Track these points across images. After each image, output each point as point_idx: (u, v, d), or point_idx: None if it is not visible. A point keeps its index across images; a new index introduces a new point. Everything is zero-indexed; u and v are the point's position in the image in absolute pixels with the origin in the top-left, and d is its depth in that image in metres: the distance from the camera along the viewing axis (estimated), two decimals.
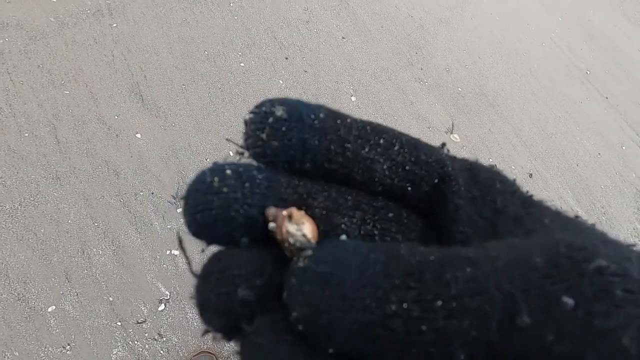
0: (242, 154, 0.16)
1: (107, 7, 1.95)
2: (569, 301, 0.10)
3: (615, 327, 0.10)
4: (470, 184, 0.16)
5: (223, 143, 1.75)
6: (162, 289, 1.39)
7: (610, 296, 0.10)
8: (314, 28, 2.32)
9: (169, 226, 1.50)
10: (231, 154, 1.60)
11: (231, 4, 2.20)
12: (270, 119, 0.15)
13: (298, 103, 0.16)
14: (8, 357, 1.19)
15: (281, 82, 2.05)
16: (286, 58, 2.13)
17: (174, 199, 1.56)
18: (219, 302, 0.14)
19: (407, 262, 0.12)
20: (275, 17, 2.26)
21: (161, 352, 1.30)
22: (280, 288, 0.13)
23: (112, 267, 1.37)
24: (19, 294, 1.27)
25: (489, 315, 0.11)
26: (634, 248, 0.12)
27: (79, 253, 1.37)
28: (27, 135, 1.53)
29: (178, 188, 1.59)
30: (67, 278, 1.32)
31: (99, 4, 1.95)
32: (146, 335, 1.31)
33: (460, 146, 2.26)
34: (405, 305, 0.11)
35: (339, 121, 0.16)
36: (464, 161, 0.17)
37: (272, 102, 0.16)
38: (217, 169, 0.15)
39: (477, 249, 0.12)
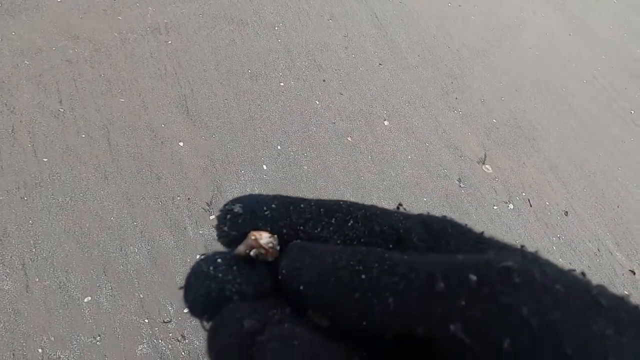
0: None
1: (164, 25, 2.13)
2: (473, 277, 0.14)
3: (516, 301, 0.13)
4: (424, 235, 0.18)
5: (258, 156, 1.83)
6: None
7: (511, 282, 0.13)
8: (352, 53, 2.41)
9: (200, 232, 1.57)
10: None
11: (276, 28, 2.33)
12: (229, 215, 0.19)
13: (254, 199, 0.20)
14: (44, 341, 1.26)
15: (317, 102, 2.13)
16: (323, 80, 2.22)
17: (208, 206, 1.63)
18: (232, 341, 0.16)
19: (359, 248, 0.17)
20: (316, 41, 2.37)
21: (183, 353, 1.33)
22: (272, 316, 0.17)
23: (145, 265, 1.44)
24: (60, 282, 1.36)
25: (412, 279, 0.15)
26: (572, 272, 0.15)
27: (117, 249, 1.45)
28: (83, 136, 1.67)
29: (212, 196, 1.66)
30: (104, 271, 1.40)
31: (157, 23, 2.13)
32: (170, 335, 1.35)
33: (492, 177, 2.22)
34: (351, 262, 0.16)
35: (291, 208, 0.19)
36: (417, 217, 0.19)
37: (234, 202, 0.20)
38: (209, 259, 0.19)
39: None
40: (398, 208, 0.20)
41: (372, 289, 0.15)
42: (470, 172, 2.19)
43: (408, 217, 0.19)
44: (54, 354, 1.25)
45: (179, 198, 1.62)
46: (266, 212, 0.19)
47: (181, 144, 1.76)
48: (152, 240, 1.50)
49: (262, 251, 0.18)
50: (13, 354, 1.23)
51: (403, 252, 0.16)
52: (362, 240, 0.19)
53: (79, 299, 1.35)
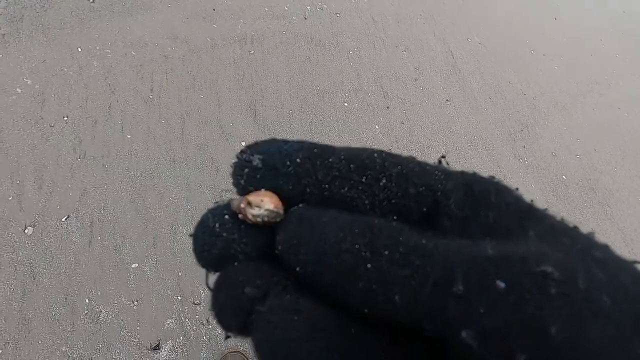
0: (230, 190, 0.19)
1: (250, 37, 2.34)
2: (500, 284, 0.12)
3: (546, 316, 0.11)
4: (463, 202, 0.16)
5: None
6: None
7: (545, 292, 0.11)
8: (421, 86, 2.42)
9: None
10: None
11: (350, 52, 2.44)
12: (247, 169, 0.17)
13: (276, 150, 0.17)
14: (92, 293, 1.41)
15: (377, 127, 2.16)
16: (387, 107, 2.25)
17: None
18: (232, 303, 0.16)
19: (371, 222, 0.15)
20: (386, 69, 2.43)
21: (204, 337, 1.39)
22: (276, 283, 0.16)
23: (189, 246, 1.54)
24: (116, 245, 1.51)
25: (428, 274, 0.13)
26: (633, 265, 0.13)
27: (169, 227, 1.59)
28: (163, 122, 1.88)
29: None
30: (154, 244, 1.54)
31: (245, 34, 2.35)
32: (197, 317, 1.42)
33: None
34: (357, 246, 0.14)
35: (318, 162, 0.17)
36: (460, 176, 0.16)
37: (252, 151, 0.17)
38: (217, 213, 0.18)
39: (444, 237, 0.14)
40: (440, 162, 0.18)
41: (378, 281, 0.13)
42: (537, 204, 2.04)
43: (449, 176, 0.16)
44: (97, 307, 1.39)
45: (230, 193, 1.73)
46: (289, 168, 0.17)
47: (243, 143, 1.90)
48: None
49: (262, 222, 0.17)
50: (66, 298, 1.39)
51: (423, 233, 0.14)
52: (392, 201, 0.16)
53: (128, 264, 1.48)
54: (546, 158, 2.39)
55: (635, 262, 0.13)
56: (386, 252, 0.14)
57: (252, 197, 0.17)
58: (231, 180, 0.18)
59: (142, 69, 2.01)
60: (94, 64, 1.95)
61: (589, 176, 2.42)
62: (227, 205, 0.18)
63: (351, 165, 0.17)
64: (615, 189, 2.43)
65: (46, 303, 1.37)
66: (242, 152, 0.18)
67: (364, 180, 0.16)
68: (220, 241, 0.17)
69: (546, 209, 0.16)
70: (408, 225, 0.15)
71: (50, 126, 1.72)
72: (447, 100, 2.41)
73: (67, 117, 1.76)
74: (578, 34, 3.20)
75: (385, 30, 2.62)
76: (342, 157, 0.17)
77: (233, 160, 0.18)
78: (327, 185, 0.17)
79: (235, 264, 0.17)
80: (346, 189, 0.16)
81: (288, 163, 0.17)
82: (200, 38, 2.24)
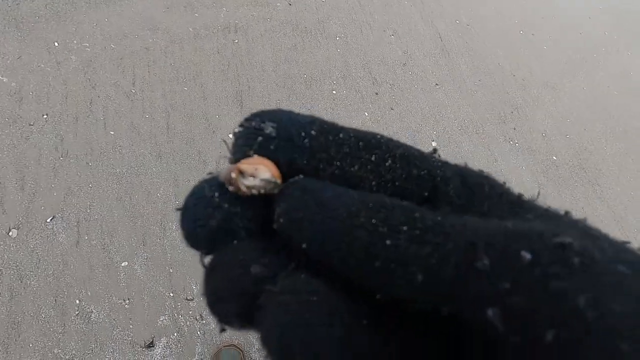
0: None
1: (234, 26, 2.28)
2: (526, 255, 0.11)
3: (570, 288, 0.11)
4: (460, 191, 0.15)
5: None
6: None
7: (568, 264, 0.11)
8: (410, 71, 2.39)
9: None
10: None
11: (337, 38, 2.39)
12: (259, 138, 0.15)
13: (289, 119, 0.16)
14: (82, 294, 1.39)
15: (366, 114, 2.13)
16: (376, 93, 2.22)
17: None
18: (232, 286, 0.14)
19: (382, 198, 0.14)
20: (374, 55, 2.39)
21: (198, 332, 1.38)
22: (285, 262, 0.14)
23: (179, 242, 1.53)
24: (104, 244, 1.49)
25: (448, 251, 0.12)
26: (628, 245, 0.12)
27: (158, 223, 1.56)
28: (147, 116, 1.83)
29: None
30: (143, 242, 1.51)
31: (228, 23, 2.28)
32: (190, 313, 1.42)
33: None
34: (373, 221, 0.13)
35: (330, 137, 0.16)
36: (455, 167, 0.16)
37: (263, 118, 0.16)
38: (216, 183, 0.15)
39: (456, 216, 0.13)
40: (433, 153, 0.17)
41: (397, 260, 0.12)
42: (525, 196, 2.05)
43: (446, 165, 0.16)
44: (88, 307, 1.37)
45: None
46: (305, 140, 0.15)
47: (230, 135, 1.86)
48: None
49: (253, 191, 0.15)
50: (55, 300, 1.36)
51: (435, 211, 0.13)
52: (396, 183, 0.16)
53: (117, 263, 1.46)
54: (536, 139, 2.39)
55: (627, 242, 0.13)
56: (404, 228, 0.12)
57: (245, 166, 0.15)
58: (231, 148, 0.16)
59: (122, 62, 1.95)
60: (72, 59, 1.88)
61: (579, 156, 2.43)
62: None
63: (360, 143, 0.16)
64: (605, 167, 2.44)
65: (35, 306, 1.34)
66: (248, 119, 0.16)
67: (372, 159, 0.16)
68: (220, 213, 0.15)
69: (535, 200, 0.16)
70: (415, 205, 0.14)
71: (30, 125, 1.67)
72: (436, 84, 2.38)
73: (46, 114, 1.71)
74: (566, 12, 3.17)
75: (372, 15, 2.57)
76: (351, 135, 0.16)
77: (236, 129, 0.16)
78: (338, 163, 0.15)
79: (235, 242, 0.15)
80: (356, 167, 0.15)
81: (303, 134, 0.15)
82: (181, 28, 2.17)
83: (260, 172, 0.15)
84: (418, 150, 0.16)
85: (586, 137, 2.53)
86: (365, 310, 0.13)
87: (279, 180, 0.15)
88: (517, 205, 0.15)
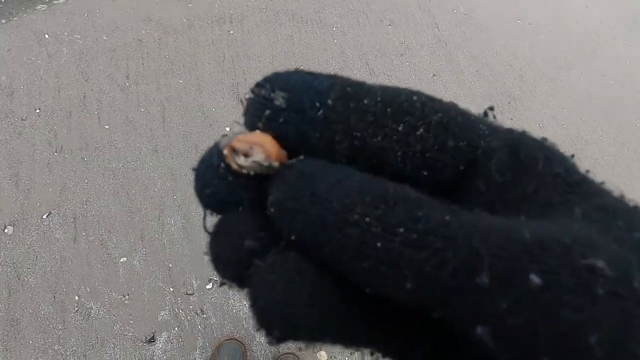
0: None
1: (229, 16, 2.24)
2: (535, 279, 0.10)
3: (586, 322, 0.09)
4: (506, 164, 0.14)
5: None
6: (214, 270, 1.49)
7: (590, 293, 0.09)
8: (407, 61, 2.37)
9: None
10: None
11: (334, 28, 2.36)
12: (268, 111, 0.14)
13: (305, 85, 0.14)
14: (81, 290, 1.38)
15: None
16: None
17: None
18: (229, 253, 0.15)
19: (385, 189, 0.12)
20: (371, 45, 2.36)
21: (199, 326, 1.39)
22: (280, 238, 0.14)
23: (178, 237, 1.52)
24: (102, 240, 1.48)
25: (447, 260, 0.11)
26: None
27: (156, 218, 1.55)
28: (142, 110, 1.80)
29: None
30: (141, 237, 1.50)
31: (223, 13, 2.24)
32: (191, 307, 1.41)
33: None
34: (367, 219, 0.12)
35: (352, 105, 0.14)
36: (508, 134, 0.14)
37: (274, 86, 0.14)
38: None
39: (471, 211, 0.12)
40: (486, 114, 0.15)
41: (388, 263, 0.11)
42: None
43: (495, 132, 0.14)
44: (87, 304, 1.36)
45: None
46: (319, 111, 0.14)
47: (227, 128, 1.84)
48: (188, 215, 1.58)
49: (244, 172, 0.14)
50: (54, 297, 1.36)
51: (448, 206, 0.12)
52: (427, 155, 0.14)
53: (115, 258, 1.45)
54: (534, 130, 2.38)
55: None
56: (401, 230, 0.11)
57: (239, 144, 0.14)
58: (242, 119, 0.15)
59: (115, 54, 1.91)
60: (63, 51, 1.84)
61: (576, 146, 2.44)
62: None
63: (388, 110, 0.14)
64: (601, 157, 2.46)
65: (34, 303, 1.33)
66: (259, 85, 0.15)
67: (400, 128, 0.14)
68: (224, 183, 0.15)
69: (603, 182, 0.14)
70: (429, 194, 0.12)
71: (22, 119, 1.63)
72: (434, 75, 2.37)
73: (39, 109, 1.67)
74: (563, 1, 3.15)
75: (369, 4, 2.53)
76: (379, 98, 0.14)
77: (247, 96, 0.15)
78: (358, 134, 0.14)
79: (240, 209, 0.15)
80: (379, 138, 0.14)
81: (318, 104, 0.14)
82: (175, 19, 2.13)
83: (254, 151, 0.14)
84: (464, 114, 0.14)
85: (582, 127, 2.54)
86: (351, 295, 0.13)
87: (275, 163, 0.14)
88: (575, 189, 0.13)
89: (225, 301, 1.44)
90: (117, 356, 1.31)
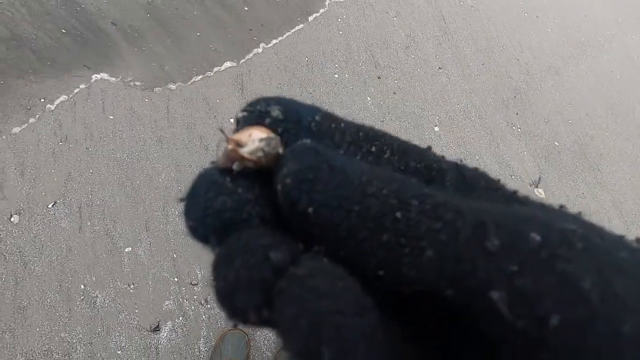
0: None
1: None
2: (536, 237, 0.11)
3: (577, 271, 0.11)
4: (457, 184, 0.15)
5: None
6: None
7: (573, 247, 0.11)
8: (412, 54, 2.35)
9: None
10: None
11: (339, 20, 2.33)
12: (267, 120, 0.15)
13: (294, 104, 0.16)
14: (87, 279, 1.39)
15: (369, 98, 2.11)
16: (379, 77, 2.19)
17: None
18: (252, 274, 0.13)
19: (391, 172, 0.14)
20: (376, 37, 2.34)
21: (203, 316, 1.40)
22: (303, 250, 0.13)
23: (182, 228, 1.53)
24: (107, 230, 1.48)
25: (459, 228, 0.12)
26: (623, 237, 0.13)
27: (160, 209, 1.55)
28: (147, 101, 1.80)
29: None
30: (146, 227, 1.51)
31: None
32: (195, 297, 1.43)
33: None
34: (384, 192, 0.12)
35: (333, 125, 0.15)
36: (451, 162, 0.16)
37: (268, 102, 0.15)
38: (224, 169, 0.15)
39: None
40: (428, 150, 0.17)
41: (407, 234, 0.12)
42: (521, 192, 2.06)
43: (441, 159, 0.16)
44: (93, 292, 1.38)
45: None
46: (311, 124, 0.15)
47: (231, 120, 1.83)
48: None
49: (259, 154, 0.14)
50: (60, 285, 1.37)
51: (443, 190, 0.13)
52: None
53: (121, 248, 1.46)
54: (539, 125, 2.38)
55: (622, 236, 0.13)
56: (416, 203, 0.12)
57: (238, 135, 0.14)
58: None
59: None
60: None
61: (581, 141, 2.42)
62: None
63: (360, 134, 0.16)
64: (606, 152, 2.44)
65: (40, 291, 1.35)
66: (252, 104, 0.15)
67: (372, 150, 0.15)
68: (233, 201, 0.14)
69: (528, 197, 0.16)
70: None
71: (27, 109, 1.63)
72: (439, 68, 2.35)
73: (44, 99, 1.67)
74: None
75: None
76: (351, 125, 0.16)
77: (240, 114, 0.15)
78: (342, 151, 0.15)
79: (251, 230, 0.14)
80: (358, 157, 0.15)
81: (309, 119, 0.15)
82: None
83: (254, 134, 0.14)
84: (413, 145, 0.16)
85: (588, 122, 2.52)
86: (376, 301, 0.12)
87: (280, 147, 0.14)
88: (513, 200, 0.15)
89: None
90: (123, 344, 1.33)
